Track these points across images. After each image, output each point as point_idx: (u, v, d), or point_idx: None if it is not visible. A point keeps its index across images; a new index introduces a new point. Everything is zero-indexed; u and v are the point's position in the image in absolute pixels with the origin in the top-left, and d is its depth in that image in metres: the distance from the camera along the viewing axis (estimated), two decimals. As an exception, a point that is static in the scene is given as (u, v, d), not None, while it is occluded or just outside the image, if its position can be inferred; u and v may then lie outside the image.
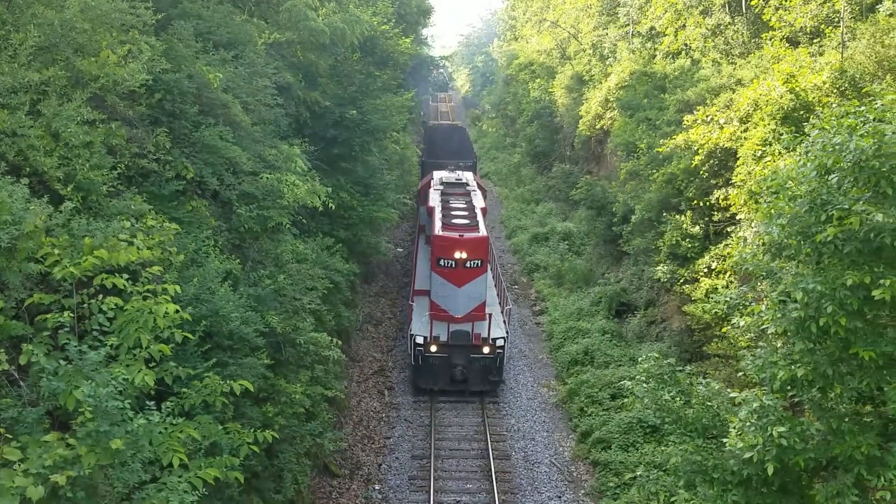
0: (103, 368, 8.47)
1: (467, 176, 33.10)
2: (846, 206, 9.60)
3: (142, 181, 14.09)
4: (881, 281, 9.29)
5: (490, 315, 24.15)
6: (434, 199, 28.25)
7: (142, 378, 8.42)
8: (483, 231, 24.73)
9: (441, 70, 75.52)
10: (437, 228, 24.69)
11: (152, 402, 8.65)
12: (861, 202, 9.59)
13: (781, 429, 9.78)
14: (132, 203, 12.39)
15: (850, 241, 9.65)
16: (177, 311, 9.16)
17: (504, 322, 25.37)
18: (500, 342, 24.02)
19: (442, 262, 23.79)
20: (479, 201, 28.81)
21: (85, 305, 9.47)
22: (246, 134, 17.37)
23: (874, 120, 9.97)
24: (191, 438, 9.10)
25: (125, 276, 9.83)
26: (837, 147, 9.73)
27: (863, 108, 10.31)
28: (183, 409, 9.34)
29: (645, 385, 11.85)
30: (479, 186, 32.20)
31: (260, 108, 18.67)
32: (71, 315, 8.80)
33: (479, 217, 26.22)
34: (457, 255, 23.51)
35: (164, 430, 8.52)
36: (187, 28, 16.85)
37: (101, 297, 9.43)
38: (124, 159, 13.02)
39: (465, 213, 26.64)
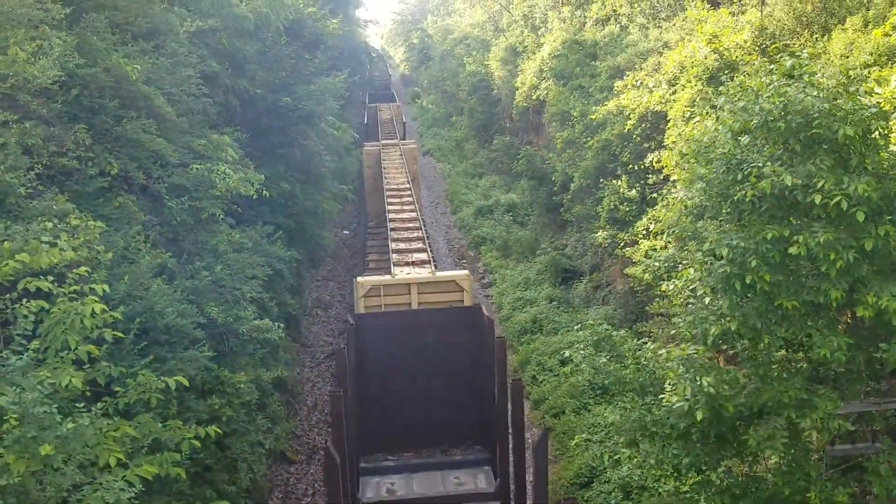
0: (30, 373, 8.30)
1: None
2: (760, 165, 9.85)
3: (64, 180, 13.75)
4: (795, 238, 9.57)
5: None
6: None
7: (69, 380, 8.27)
8: None
9: (376, 56, 64.09)
10: None
11: (83, 405, 8.51)
12: (771, 163, 9.86)
13: (709, 378, 10.11)
14: (54, 203, 12.10)
15: (766, 199, 9.95)
16: (104, 311, 8.99)
17: None
18: None
19: None
20: None
21: (8, 311, 9.25)
22: (172, 125, 17.02)
23: (784, 77, 10.23)
24: (129, 437, 8.99)
25: (51, 278, 9.60)
26: (742, 110, 9.99)
27: (773, 66, 10.59)
28: (118, 408, 9.21)
29: (583, 352, 12.12)
30: None
31: (185, 98, 18.29)
32: (-9, 322, 8.60)
33: None
34: None
35: (99, 431, 8.40)
36: (101, 20, 16.35)
37: (24, 301, 9.20)
38: (42, 159, 12.67)
39: None
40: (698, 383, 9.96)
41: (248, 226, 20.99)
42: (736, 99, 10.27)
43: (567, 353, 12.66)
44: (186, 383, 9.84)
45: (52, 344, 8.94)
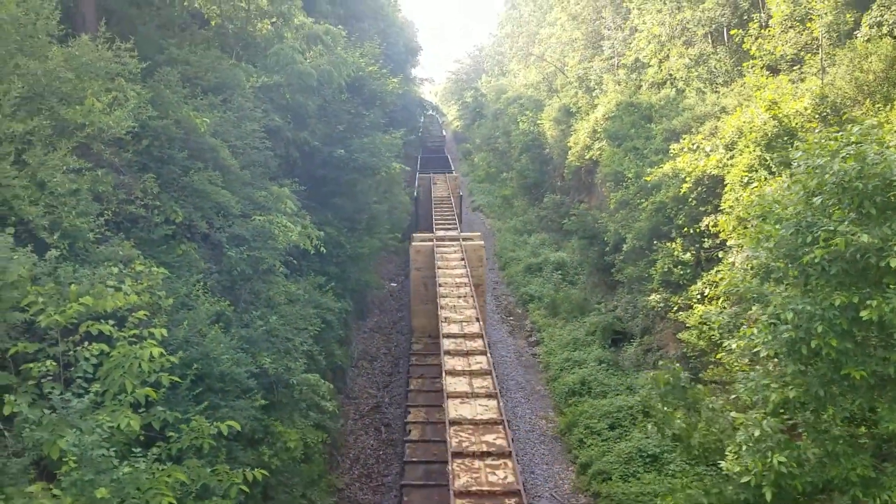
0: (89, 416, 8.42)
1: None
2: (832, 228, 9.72)
3: (130, 227, 14.16)
4: (868, 301, 9.36)
5: None
6: None
7: (126, 423, 8.37)
8: None
9: (432, 112, 65.92)
10: None
11: (139, 449, 8.59)
12: (846, 223, 9.72)
13: (782, 458, 9.77)
14: (120, 249, 12.43)
15: (837, 262, 9.79)
16: (161, 355, 9.14)
17: None
18: None
19: None
20: None
21: (71, 353, 9.44)
22: (235, 177, 17.48)
23: (854, 143, 10.14)
24: (179, 483, 9.02)
25: (112, 322, 9.81)
26: (820, 169, 9.90)
27: (841, 132, 10.51)
28: (170, 453, 9.27)
29: (660, 402, 11.81)
30: None
31: (249, 151, 18.81)
32: (55, 363, 8.78)
33: None
34: None
35: (152, 476, 8.45)
36: (174, 74, 17.04)
37: (86, 343, 9.40)
38: (111, 206, 13.09)
39: None
40: (769, 460, 9.64)
41: (300, 276, 21.25)
42: (814, 156, 10.17)
43: (647, 387, 12.26)
44: (238, 427, 9.87)
45: (110, 387, 9.08)
